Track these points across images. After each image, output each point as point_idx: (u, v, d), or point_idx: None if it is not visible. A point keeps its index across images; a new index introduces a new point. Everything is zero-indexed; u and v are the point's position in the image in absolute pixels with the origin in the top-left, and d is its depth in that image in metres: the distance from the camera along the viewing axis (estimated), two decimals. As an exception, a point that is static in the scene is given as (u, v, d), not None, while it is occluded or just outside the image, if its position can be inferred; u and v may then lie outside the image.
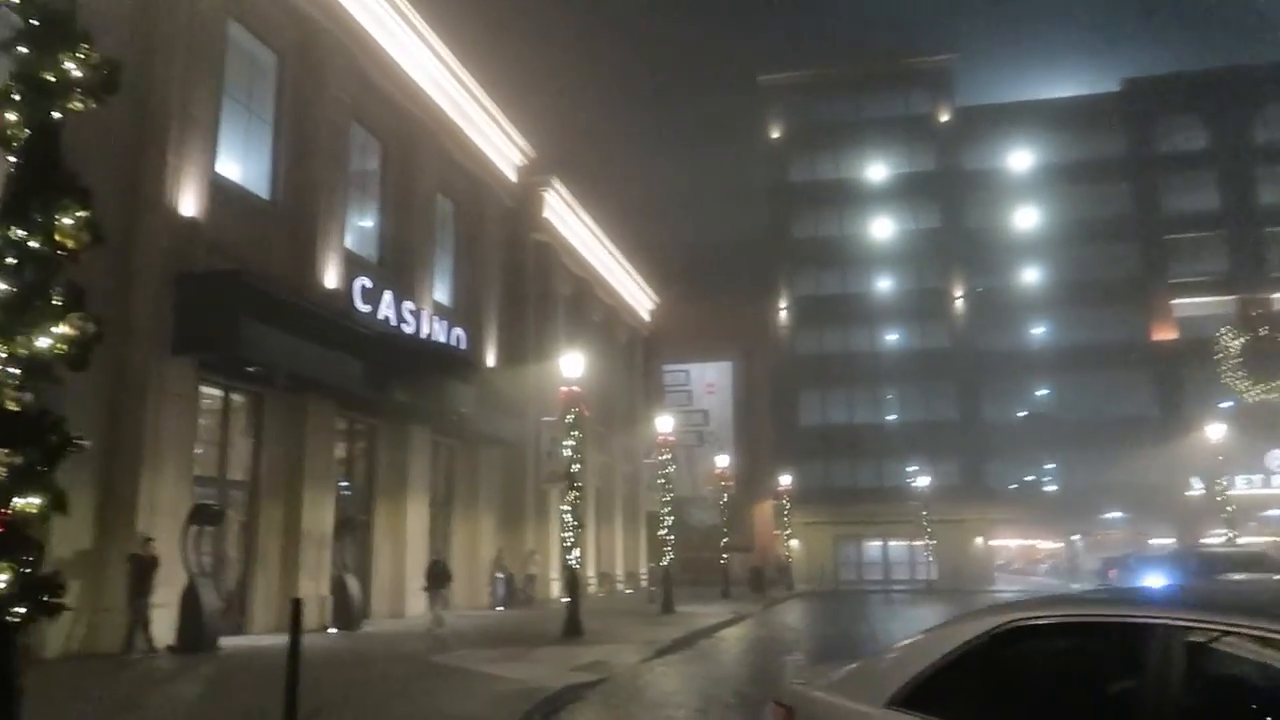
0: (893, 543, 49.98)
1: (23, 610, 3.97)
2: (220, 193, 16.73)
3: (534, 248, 32.14)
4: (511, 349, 29.57)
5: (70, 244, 4.35)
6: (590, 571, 33.76)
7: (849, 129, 54.82)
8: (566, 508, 17.89)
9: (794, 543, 45.06)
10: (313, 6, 19.80)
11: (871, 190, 54.57)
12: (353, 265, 20.82)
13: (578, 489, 17.82)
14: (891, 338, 53.13)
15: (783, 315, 54.47)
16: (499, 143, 29.32)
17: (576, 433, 18.04)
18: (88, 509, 13.63)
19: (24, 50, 4.44)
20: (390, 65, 22.94)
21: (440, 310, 24.93)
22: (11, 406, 4.18)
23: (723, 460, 36.98)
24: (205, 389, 16.69)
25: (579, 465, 17.96)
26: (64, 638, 13.12)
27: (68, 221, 4.31)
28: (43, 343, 4.27)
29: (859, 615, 27.15)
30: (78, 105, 4.54)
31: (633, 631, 18.63)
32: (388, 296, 21.33)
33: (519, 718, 9.35)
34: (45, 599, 4.07)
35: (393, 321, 21.39)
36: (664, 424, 28.83)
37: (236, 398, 17.90)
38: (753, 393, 58.12)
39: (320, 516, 18.78)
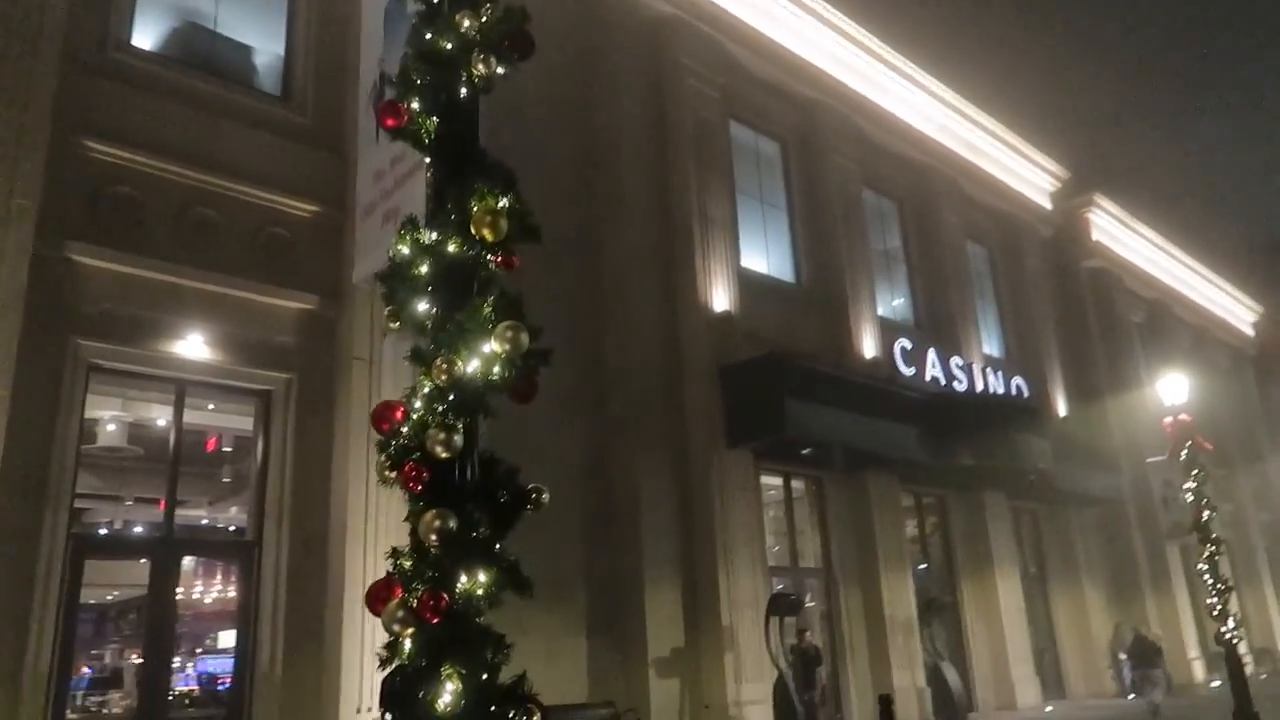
0: None
1: None
2: (748, 284, 16.95)
3: (1087, 276, 28.37)
4: (1082, 393, 25.95)
5: (487, 235, 3.45)
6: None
7: None
8: (1203, 566, 14.26)
9: None
10: (808, 87, 19.82)
11: None
12: (888, 331, 19.81)
13: (1214, 542, 14.12)
14: None
15: None
16: (1024, 172, 26.64)
17: (1197, 471, 14.47)
18: (676, 606, 14.02)
19: (426, 33, 3.87)
20: (892, 121, 22.07)
21: (992, 362, 22.69)
22: (440, 453, 3.27)
23: None
24: (766, 479, 16.68)
25: (1209, 512, 14.29)
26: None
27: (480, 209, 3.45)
28: (470, 366, 3.39)
29: None
30: (481, 69, 3.75)
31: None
32: (931, 355, 19.87)
33: None
34: (509, 714, 3.03)
35: (942, 381, 19.83)
36: (1311, 455, 22.75)
37: (796, 484, 17.67)
38: None
39: (901, 600, 17.49)
